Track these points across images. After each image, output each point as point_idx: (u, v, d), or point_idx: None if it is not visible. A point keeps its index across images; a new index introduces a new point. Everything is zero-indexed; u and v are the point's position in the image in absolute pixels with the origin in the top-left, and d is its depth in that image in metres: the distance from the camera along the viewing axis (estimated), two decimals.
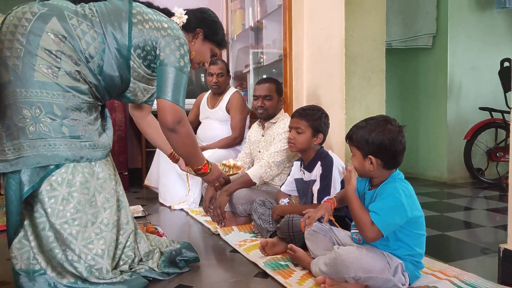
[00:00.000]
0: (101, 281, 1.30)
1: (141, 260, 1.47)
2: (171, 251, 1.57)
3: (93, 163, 1.32)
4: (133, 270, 1.41)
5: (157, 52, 1.39)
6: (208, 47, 1.65)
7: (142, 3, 1.48)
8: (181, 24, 1.56)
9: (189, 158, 1.58)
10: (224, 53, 4.27)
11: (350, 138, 1.41)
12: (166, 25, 1.41)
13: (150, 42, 1.39)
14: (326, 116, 1.97)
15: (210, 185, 1.78)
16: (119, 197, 1.43)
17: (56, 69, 1.23)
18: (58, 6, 1.29)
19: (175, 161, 1.91)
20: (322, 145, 1.98)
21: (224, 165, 2.09)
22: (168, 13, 1.56)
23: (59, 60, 1.24)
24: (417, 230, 1.37)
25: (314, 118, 1.90)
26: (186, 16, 1.58)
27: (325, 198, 1.54)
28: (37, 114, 1.21)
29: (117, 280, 1.33)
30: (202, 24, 1.61)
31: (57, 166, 1.24)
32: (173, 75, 1.37)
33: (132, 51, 1.37)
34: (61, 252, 1.29)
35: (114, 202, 1.37)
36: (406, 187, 1.35)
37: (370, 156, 1.35)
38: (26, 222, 1.30)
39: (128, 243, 1.42)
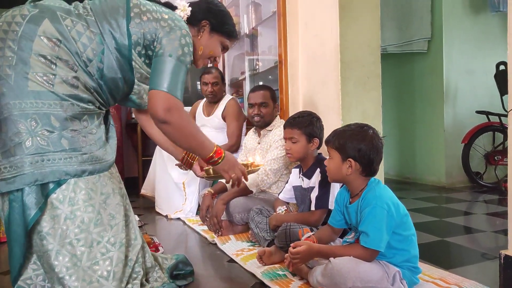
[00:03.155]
0: None
1: (147, 274, 1.39)
2: (168, 267, 1.51)
3: (96, 177, 1.21)
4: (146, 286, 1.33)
5: (155, 43, 1.27)
6: (217, 39, 1.51)
7: None
8: (185, 17, 1.44)
9: (195, 149, 1.38)
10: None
11: (331, 140, 1.42)
12: (166, 16, 1.30)
13: (149, 36, 1.27)
14: (318, 119, 1.95)
15: (229, 177, 1.46)
16: (127, 212, 1.32)
17: (51, 76, 1.14)
18: (50, 7, 1.20)
19: (189, 166, 1.72)
20: (320, 150, 1.96)
21: (243, 165, 1.85)
22: (171, 8, 1.44)
23: (54, 66, 1.14)
24: (407, 231, 1.36)
25: (305, 125, 1.88)
26: (190, 8, 1.46)
27: (306, 236, 1.52)
28: (33, 127, 1.11)
29: None
30: (208, 15, 1.48)
31: (59, 184, 1.15)
32: (170, 65, 1.24)
33: (133, 50, 1.27)
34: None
35: (120, 219, 1.26)
36: (385, 190, 1.37)
37: (350, 159, 1.36)
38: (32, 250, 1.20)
39: (137, 259, 1.32)
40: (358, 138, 1.36)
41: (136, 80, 1.33)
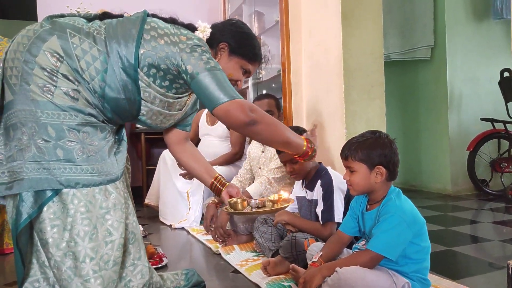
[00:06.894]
0: None
1: None
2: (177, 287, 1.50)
3: (96, 190, 1.19)
4: None
5: (182, 67, 1.25)
6: (237, 62, 1.45)
7: (162, 19, 1.35)
8: (205, 38, 1.41)
9: (288, 145, 1.36)
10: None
11: (351, 153, 1.37)
12: (184, 38, 1.29)
13: (168, 60, 1.26)
14: None
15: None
16: (133, 230, 1.27)
17: (52, 87, 1.16)
18: (63, 24, 1.22)
19: (218, 193, 1.60)
20: (320, 160, 1.94)
21: (271, 201, 1.59)
22: (193, 29, 1.41)
23: (55, 78, 1.17)
24: (423, 242, 1.34)
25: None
26: (210, 30, 1.42)
27: (311, 261, 1.47)
28: (33, 135, 1.14)
29: None
30: (227, 37, 1.43)
31: (56, 192, 1.15)
32: (211, 78, 1.23)
33: (139, 70, 1.24)
34: None
35: (117, 236, 1.20)
36: (406, 201, 1.37)
37: (379, 166, 1.35)
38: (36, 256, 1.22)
39: (139, 280, 1.27)
40: (379, 145, 1.35)
41: (143, 101, 1.29)
